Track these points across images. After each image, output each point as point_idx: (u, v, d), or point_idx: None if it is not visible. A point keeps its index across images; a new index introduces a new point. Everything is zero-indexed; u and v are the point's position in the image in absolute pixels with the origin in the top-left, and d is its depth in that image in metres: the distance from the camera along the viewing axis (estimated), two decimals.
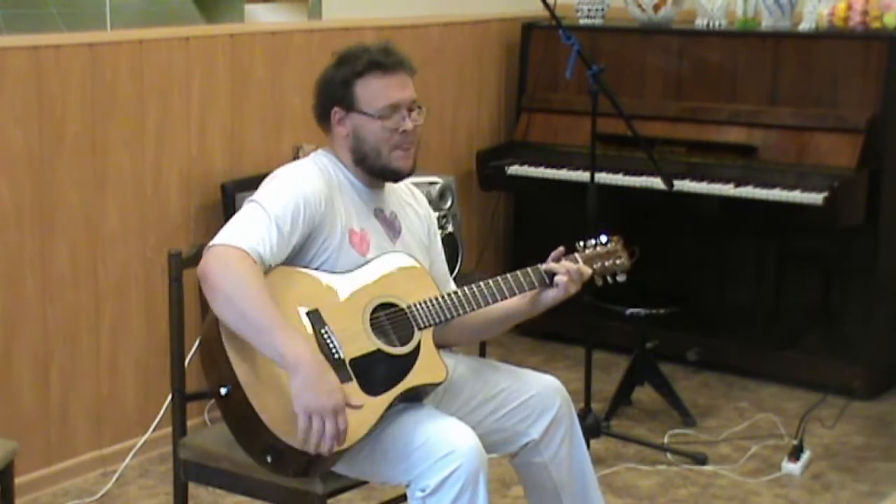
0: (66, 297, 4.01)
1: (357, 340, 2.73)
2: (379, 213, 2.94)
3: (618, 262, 3.09)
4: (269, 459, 2.65)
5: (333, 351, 2.70)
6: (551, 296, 2.96)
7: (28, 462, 3.87)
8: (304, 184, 2.79)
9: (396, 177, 2.92)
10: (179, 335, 3.00)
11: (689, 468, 4.20)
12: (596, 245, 3.08)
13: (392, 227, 2.96)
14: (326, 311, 2.74)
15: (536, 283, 2.96)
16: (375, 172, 2.90)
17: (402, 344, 2.80)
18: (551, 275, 2.95)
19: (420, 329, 2.83)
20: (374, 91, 2.85)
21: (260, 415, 2.59)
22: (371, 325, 2.78)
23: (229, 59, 4.43)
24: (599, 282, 3.08)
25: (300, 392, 2.54)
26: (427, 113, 2.96)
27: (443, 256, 3.12)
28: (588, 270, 2.99)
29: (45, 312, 3.96)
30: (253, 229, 2.70)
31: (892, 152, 4.70)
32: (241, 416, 2.63)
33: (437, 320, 2.85)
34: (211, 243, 2.71)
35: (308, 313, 2.72)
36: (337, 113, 2.88)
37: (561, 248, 3.01)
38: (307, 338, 2.68)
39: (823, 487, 4.08)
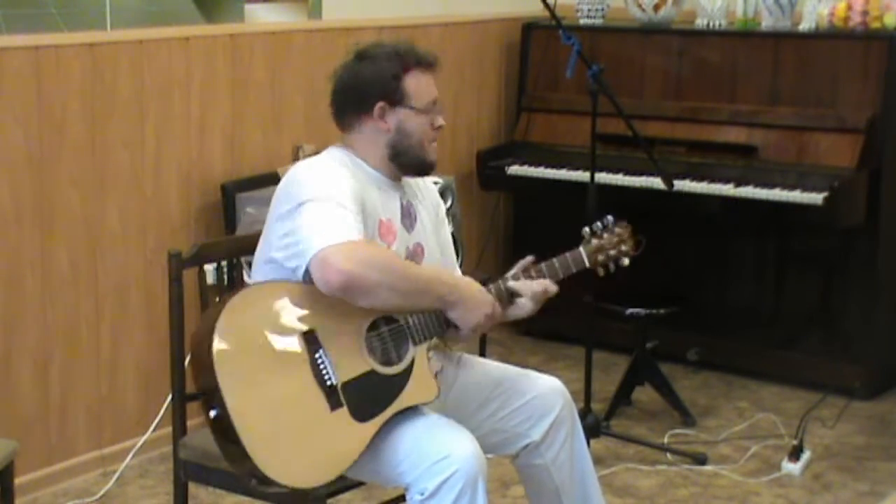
0: (66, 298, 4.01)
1: (352, 360, 2.70)
2: (399, 205, 2.94)
3: (623, 248, 3.06)
4: (253, 482, 2.68)
5: (326, 377, 2.67)
6: (511, 315, 2.96)
7: (28, 462, 3.87)
8: (342, 177, 2.78)
9: (430, 169, 2.95)
10: (179, 335, 2.99)
11: (689, 468, 4.20)
12: (603, 231, 3.05)
13: (409, 216, 2.95)
14: (326, 329, 2.69)
15: (496, 299, 2.90)
16: (412, 166, 2.91)
17: (401, 358, 2.78)
18: (514, 293, 2.94)
19: (415, 344, 2.80)
20: (421, 86, 2.89)
21: (247, 449, 2.57)
22: (371, 340, 2.75)
23: (229, 59, 4.43)
24: (601, 272, 3.06)
25: (465, 319, 2.78)
26: None
27: (450, 242, 3.12)
28: (554, 288, 2.96)
29: (45, 312, 3.96)
30: (340, 222, 2.66)
31: (891, 152, 4.70)
32: (228, 443, 2.62)
33: (429, 335, 2.81)
34: (317, 251, 2.62)
35: (304, 333, 2.68)
36: (383, 108, 2.87)
37: (529, 258, 2.98)
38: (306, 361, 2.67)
39: (823, 487, 4.08)
